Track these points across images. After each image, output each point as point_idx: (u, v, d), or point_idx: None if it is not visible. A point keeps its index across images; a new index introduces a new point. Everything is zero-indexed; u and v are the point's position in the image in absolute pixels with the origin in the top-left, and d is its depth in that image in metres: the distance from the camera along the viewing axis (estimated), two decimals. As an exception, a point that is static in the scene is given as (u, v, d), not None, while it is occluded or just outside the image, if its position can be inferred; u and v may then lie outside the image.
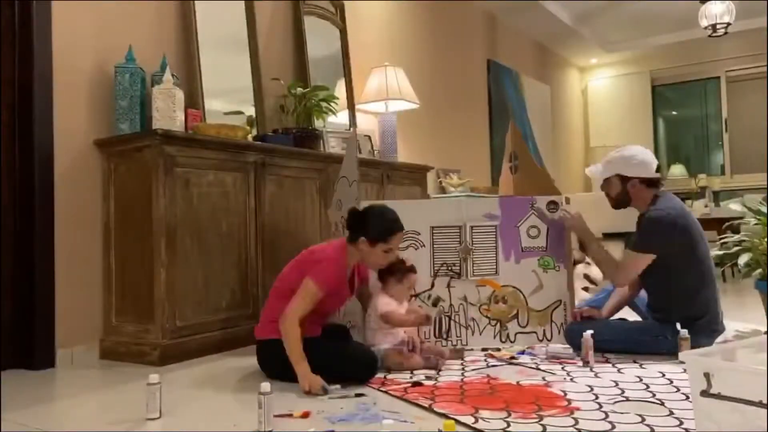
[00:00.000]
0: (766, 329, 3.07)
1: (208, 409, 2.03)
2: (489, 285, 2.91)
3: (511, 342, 2.86)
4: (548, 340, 2.86)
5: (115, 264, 2.90)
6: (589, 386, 2.15)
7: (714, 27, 5.93)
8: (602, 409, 1.87)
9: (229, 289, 3.02)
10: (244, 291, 3.08)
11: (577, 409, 1.89)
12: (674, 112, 8.87)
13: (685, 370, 2.28)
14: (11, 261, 2.73)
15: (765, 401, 1.37)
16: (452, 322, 2.89)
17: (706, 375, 1.45)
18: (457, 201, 3.54)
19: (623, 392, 2.07)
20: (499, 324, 2.89)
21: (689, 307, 2.59)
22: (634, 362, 2.50)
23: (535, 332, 2.87)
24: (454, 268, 2.90)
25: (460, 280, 2.90)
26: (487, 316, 2.89)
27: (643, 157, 2.67)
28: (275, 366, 2.33)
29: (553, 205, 2.94)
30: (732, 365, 1.54)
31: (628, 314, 2.99)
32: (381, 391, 2.13)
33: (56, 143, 2.79)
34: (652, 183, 2.66)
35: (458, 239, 2.91)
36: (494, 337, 2.88)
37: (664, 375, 2.28)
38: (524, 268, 2.89)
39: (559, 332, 2.86)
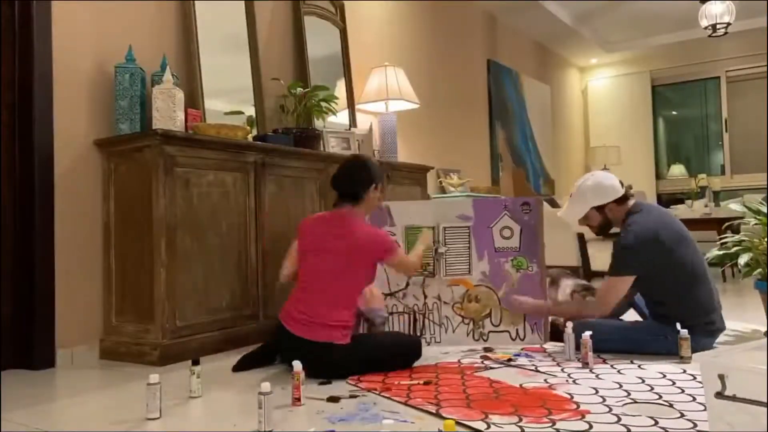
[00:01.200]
0: (766, 329, 3.07)
1: (208, 409, 2.03)
2: (462, 284, 2.99)
3: (485, 341, 2.93)
4: (521, 339, 2.92)
5: (115, 264, 2.90)
6: (594, 388, 2.12)
7: (714, 27, 5.93)
8: (613, 412, 1.84)
9: (229, 289, 3.02)
10: (244, 291, 3.08)
11: (588, 412, 1.85)
12: (674, 112, 8.87)
13: (684, 371, 2.30)
14: (11, 261, 2.73)
15: (765, 401, 1.37)
16: (426, 320, 2.98)
17: (721, 377, 1.44)
18: (432, 202, 3.66)
19: (629, 394, 2.04)
20: (472, 322, 2.96)
21: (683, 308, 2.58)
22: (632, 362, 2.47)
23: (508, 331, 2.93)
24: (428, 267, 2.99)
25: (434, 279, 3.00)
26: (460, 315, 2.98)
27: (608, 182, 2.73)
28: (337, 368, 2.35)
29: (526, 207, 3.00)
30: (748, 366, 1.48)
31: (630, 314, 2.98)
32: (384, 396, 2.08)
33: (56, 143, 2.79)
34: (622, 200, 2.72)
35: (432, 239, 3.00)
36: (467, 335, 2.96)
37: (665, 376, 2.26)
38: (497, 268, 2.96)
39: (532, 331, 2.92)
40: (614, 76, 8.82)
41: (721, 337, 2.99)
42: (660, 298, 2.66)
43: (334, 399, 2.05)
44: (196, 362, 2.15)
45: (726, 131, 8.15)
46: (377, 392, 2.12)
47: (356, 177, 2.57)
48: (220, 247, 2.98)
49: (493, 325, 2.94)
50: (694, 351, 2.44)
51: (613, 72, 8.81)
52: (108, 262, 2.91)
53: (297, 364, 2.02)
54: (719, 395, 1.46)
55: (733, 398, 1.44)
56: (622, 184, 2.74)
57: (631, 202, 2.73)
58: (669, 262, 2.57)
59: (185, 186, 2.85)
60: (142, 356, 2.74)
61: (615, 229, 2.80)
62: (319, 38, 4.22)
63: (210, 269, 2.93)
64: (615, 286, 2.62)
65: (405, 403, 1.98)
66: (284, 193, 3.35)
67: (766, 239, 3.03)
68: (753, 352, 1.61)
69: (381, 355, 2.43)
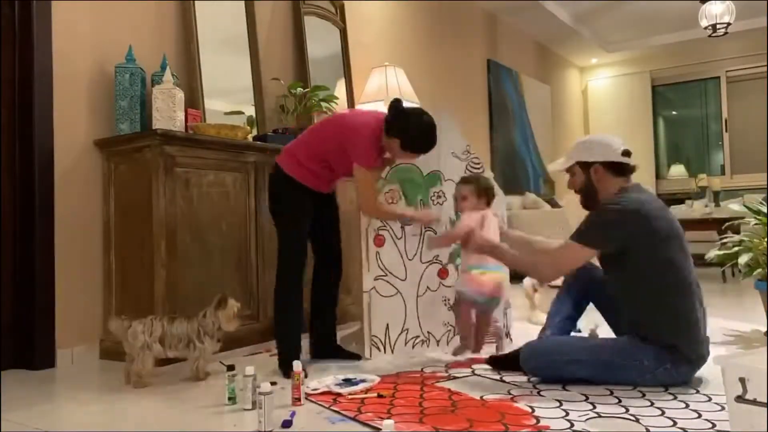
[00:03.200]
0: (766, 329, 3.07)
1: (208, 408, 2.03)
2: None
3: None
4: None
5: (115, 264, 2.90)
6: (558, 401, 2.00)
7: (714, 27, 5.93)
8: (573, 428, 1.73)
9: (229, 289, 3.00)
10: (244, 291, 3.08)
11: (547, 428, 1.75)
12: (674, 112, 8.87)
13: (635, 388, 2.11)
14: (11, 261, 2.73)
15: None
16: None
17: (742, 380, 1.41)
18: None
19: (595, 407, 1.92)
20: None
21: (663, 319, 2.12)
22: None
23: None
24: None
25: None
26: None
27: (602, 139, 2.33)
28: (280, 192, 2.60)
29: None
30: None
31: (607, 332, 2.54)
32: (332, 410, 1.94)
33: (56, 143, 2.79)
34: (618, 170, 2.27)
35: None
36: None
37: (635, 387, 2.12)
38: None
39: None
40: (614, 76, 8.82)
41: (721, 337, 2.99)
42: (636, 300, 2.19)
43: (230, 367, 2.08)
44: (231, 368, 2.09)
45: (726, 131, 8.15)
46: (327, 406, 1.99)
47: (401, 119, 2.52)
48: (220, 247, 2.98)
49: None
50: (669, 382, 2.11)
51: (613, 72, 8.81)
52: (108, 262, 2.91)
53: (297, 364, 2.02)
54: (740, 399, 1.43)
55: (754, 402, 1.42)
56: (628, 155, 2.29)
57: (631, 181, 2.31)
58: (655, 254, 2.13)
59: (185, 186, 2.85)
60: (142, 356, 2.73)
61: None
62: (319, 38, 4.22)
63: (210, 269, 2.93)
64: (575, 254, 2.23)
65: (354, 418, 1.86)
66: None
67: (766, 239, 3.03)
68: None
69: None
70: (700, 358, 2.16)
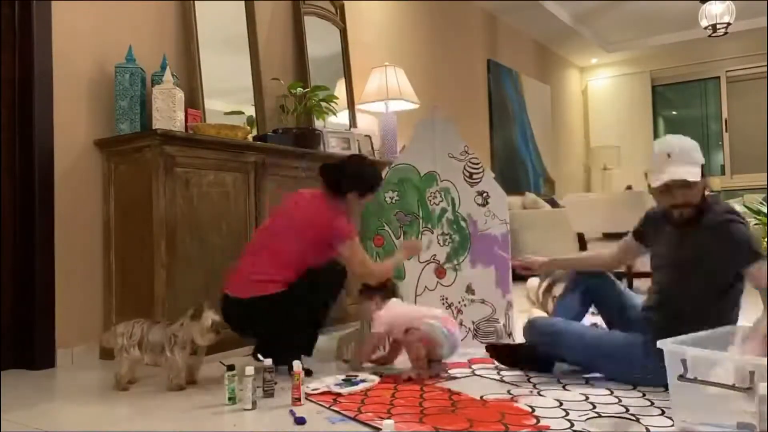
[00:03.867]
0: (766, 329, 3.06)
1: (208, 408, 2.03)
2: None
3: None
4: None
5: (115, 264, 2.90)
6: (558, 400, 2.00)
7: (714, 27, 5.93)
8: (574, 428, 1.72)
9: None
10: (244, 291, 3.08)
11: (547, 427, 1.74)
12: (674, 112, 8.87)
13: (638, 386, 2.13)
14: (11, 261, 2.73)
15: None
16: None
17: (683, 361, 1.61)
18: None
19: (595, 407, 1.92)
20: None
21: (707, 321, 1.95)
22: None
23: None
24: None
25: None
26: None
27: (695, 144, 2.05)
28: (267, 322, 2.38)
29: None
30: (706, 352, 1.65)
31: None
32: (332, 410, 1.94)
33: (56, 143, 2.79)
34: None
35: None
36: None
37: (635, 387, 2.11)
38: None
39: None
40: (614, 76, 8.82)
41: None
42: (697, 299, 2.07)
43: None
44: (231, 368, 2.07)
45: (726, 131, 8.15)
46: (327, 406, 1.99)
47: (343, 172, 2.51)
48: (220, 247, 2.98)
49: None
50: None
51: (613, 72, 8.81)
52: (108, 262, 2.91)
53: (297, 364, 2.02)
54: (681, 378, 1.62)
55: (694, 380, 1.61)
56: None
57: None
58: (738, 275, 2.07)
59: (185, 186, 2.85)
60: (142, 356, 2.74)
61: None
62: (319, 38, 4.22)
63: (210, 269, 2.93)
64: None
65: (354, 418, 1.86)
66: (284, 193, 3.34)
67: (766, 239, 3.03)
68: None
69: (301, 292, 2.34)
70: None
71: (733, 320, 2.09)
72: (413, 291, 2.86)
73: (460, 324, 2.86)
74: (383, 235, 2.89)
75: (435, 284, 2.93)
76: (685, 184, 1.99)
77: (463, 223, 2.95)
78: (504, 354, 2.44)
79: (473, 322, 2.91)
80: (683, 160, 2.00)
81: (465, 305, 2.92)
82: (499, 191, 2.94)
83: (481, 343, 2.75)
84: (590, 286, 2.44)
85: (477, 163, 3.00)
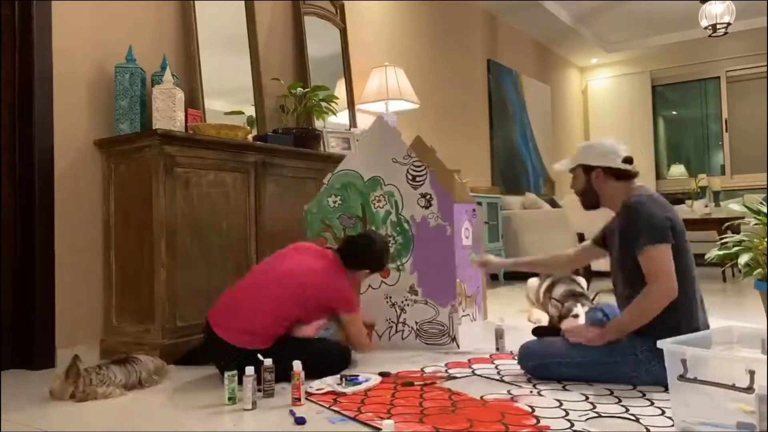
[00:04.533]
0: (766, 329, 3.07)
1: (208, 409, 2.03)
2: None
3: (458, 324, 2.99)
4: (474, 320, 3.14)
5: (115, 264, 2.90)
6: (558, 400, 1.99)
7: (714, 27, 5.93)
8: (574, 428, 1.71)
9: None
10: (244, 291, 3.08)
11: (547, 428, 1.73)
12: (674, 112, 8.88)
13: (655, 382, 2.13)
14: (11, 261, 2.73)
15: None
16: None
17: (683, 361, 1.62)
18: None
19: (594, 407, 1.91)
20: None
21: (668, 318, 2.06)
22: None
23: (469, 314, 3.10)
24: None
25: None
26: None
27: (606, 145, 2.35)
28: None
29: (473, 212, 3.23)
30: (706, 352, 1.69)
31: None
32: (333, 410, 1.93)
33: (56, 143, 2.79)
34: (618, 176, 2.29)
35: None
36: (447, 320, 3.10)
37: (634, 387, 2.11)
38: (463, 263, 3.11)
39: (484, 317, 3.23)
40: (614, 76, 8.82)
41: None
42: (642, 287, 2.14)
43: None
44: (231, 368, 2.05)
45: (726, 131, 8.15)
46: (327, 406, 1.98)
47: (357, 252, 2.62)
48: (220, 247, 2.98)
49: (462, 310, 3.03)
50: (664, 377, 1.83)
51: (613, 72, 8.82)
52: (108, 262, 2.91)
53: (297, 364, 2.02)
54: (681, 378, 1.64)
55: (694, 380, 1.63)
56: (630, 162, 2.32)
57: (637, 184, 2.31)
58: (678, 246, 2.13)
59: (185, 186, 2.85)
60: (142, 356, 2.74)
61: (607, 212, 2.42)
62: (319, 38, 4.22)
63: (210, 269, 2.93)
64: (664, 256, 2.08)
65: (354, 418, 1.84)
66: (284, 193, 3.35)
67: (766, 239, 3.03)
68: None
69: (307, 359, 2.19)
70: None
71: (688, 305, 2.14)
72: (357, 290, 2.90)
73: (404, 323, 2.97)
74: (326, 237, 3.07)
75: (379, 283, 3.01)
76: (573, 174, 2.42)
77: (406, 225, 3.00)
78: (547, 333, 2.55)
79: (416, 323, 2.95)
80: (572, 155, 2.44)
81: (408, 305, 2.97)
82: (445, 194, 2.96)
83: (426, 344, 2.91)
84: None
85: (419, 166, 3.02)
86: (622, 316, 2.16)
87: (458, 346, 2.88)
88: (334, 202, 3.10)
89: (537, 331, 2.64)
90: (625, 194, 2.27)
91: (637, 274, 2.14)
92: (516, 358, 2.46)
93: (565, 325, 2.80)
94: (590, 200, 2.38)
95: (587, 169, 2.35)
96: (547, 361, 2.24)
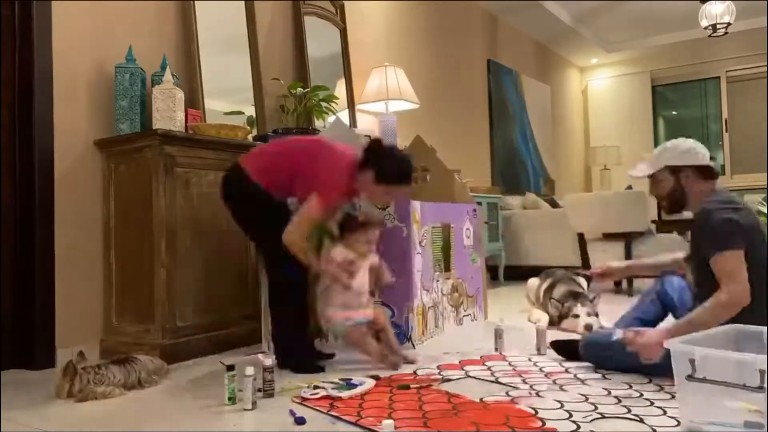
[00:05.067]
0: (766, 329, 3.06)
1: (208, 409, 2.03)
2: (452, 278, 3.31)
3: (460, 324, 3.10)
4: (475, 320, 3.35)
5: (115, 264, 2.90)
6: (559, 401, 1.99)
7: (714, 27, 5.93)
8: (581, 430, 1.72)
9: (229, 289, 3.02)
10: (244, 291, 3.08)
11: (554, 430, 1.73)
12: (674, 112, 8.87)
13: (650, 381, 2.16)
14: (11, 261, 2.73)
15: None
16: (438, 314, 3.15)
17: (692, 361, 1.61)
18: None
19: (596, 408, 1.91)
20: (455, 310, 3.29)
21: (752, 308, 2.03)
22: (595, 371, 2.33)
23: (470, 314, 3.28)
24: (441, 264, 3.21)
25: (443, 274, 3.23)
26: (450, 304, 3.27)
27: (690, 145, 2.33)
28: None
29: (474, 212, 3.35)
30: (715, 352, 1.64)
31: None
32: (331, 415, 1.90)
33: (56, 143, 2.79)
34: (707, 174, 2.28)
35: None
36: (451, 321, 3.26)
37: (631, 386, 2.12)
38: (464, 263, 3.26)
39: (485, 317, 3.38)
40: (614, 76, 8.82)
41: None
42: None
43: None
44: (231, 368, 2.05)
45: (726, 131, 8.15)
46: (324, 411, 1.94)
47: (374, 152, 2.53)
48: (220, 247, 2.98)
49: (464, 310, 3.16)
50: None
51: (613, 72, 8.81)
52: (108, 262, 2.91)
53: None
54: (690, 378, 1.64)
55: (703, 380, 1.62)
56: (714, 160, 2.36)
57: (717, 186, 2.29)
58: (760, 248, 2.12)
59: (185, 186, 2.85)
60: (142, 356, 2.74)
61: (688, 215, 2.38)
62: (319, 38, 4.22)
63: (210, 269, 2.93)
64: (736, 262, 2.05)
65: (356, 423, 1.82)
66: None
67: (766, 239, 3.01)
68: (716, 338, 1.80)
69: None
70: None
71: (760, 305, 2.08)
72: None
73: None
74: None
75: None
76: (651, 179, 2.37)
77: None
78: (566, 350, 2.60)
79: None
80: (651, 159, 2.39)
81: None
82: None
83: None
84: (660, 293, 2.56)
85: None
86: (690, 317, 2.08)
87: (414, 347, 2.82)
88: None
89: (556, 344, 2.65)
90: (709, 194, 2.25)
91: (706, 276, 2.12)
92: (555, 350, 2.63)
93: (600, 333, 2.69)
94: (680, 202, 2.32)
95: (674, 170, 2.30)
96: (609, 353, 2.29)
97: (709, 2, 5.92)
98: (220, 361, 2.43)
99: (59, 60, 2.81)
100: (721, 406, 1.61)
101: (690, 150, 2.31)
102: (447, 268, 3.23)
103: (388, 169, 2.49)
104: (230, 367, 2.05)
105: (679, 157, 2.31)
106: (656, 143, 8.50)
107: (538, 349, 2.70)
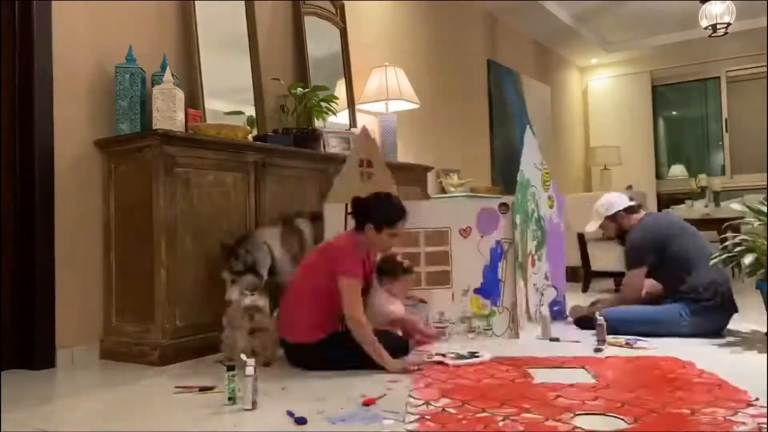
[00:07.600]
0: (766, 329, 3.07)
1: (208, 409, 2.03)
2: None
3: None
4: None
5: (115, 264, 2.90)
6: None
7: (714, 27, 5.92)
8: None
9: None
10: (244, 291, 3.08)
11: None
12: (674, 112, 8.87)
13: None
14: (11, 261, 2.73)
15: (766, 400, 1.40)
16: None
17: None
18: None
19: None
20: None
21: (688, 286, 3.07)
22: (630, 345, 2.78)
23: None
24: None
25: None
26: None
27: (614, 198, 3.44)
28: (332, 360, 2.47)
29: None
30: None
31: None
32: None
33: (56, 143, 2.79)
34: (631, 210, 3.38)
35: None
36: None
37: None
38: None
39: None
40: (614, 76, 8.81)
41: (721, 338, 3.00)
42: (672, 272, 3.17)
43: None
44: (231, 368, 2.06)
45: (726, 131, 8.14)
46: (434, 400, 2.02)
47: (361, 205, 2.65)
48: (221, 247, 2.98)
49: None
50: (704, 329, 3.01)
51: (613, 72, 8.80)
52: (108, 262, 2.91)
53: None
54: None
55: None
56: (632, 199, 3.45)
57: (642, 213, 3.38)
58: (665, 252, 3.17)
59: (185, 186, 2.85)
60: (142, 356, 2.74)
61: None
62: (319, 38, 4.22)
63: (210, 269, 2.92)
64: (632, 279, 3.27)
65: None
66: (284, 193, 3.34)
67: (766, 239, 3.02)
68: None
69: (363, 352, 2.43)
70: (727, 312, 3.09)
71: (685, 279, 3.13)
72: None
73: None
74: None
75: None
76: (601, 228, 3.51)
77: (542, 222, 3.61)
78: (585, 324, 3.25)
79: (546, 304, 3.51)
80: (594, 216, 3.52)
81: (545, 289, 3.57)
82: (560, 196, 3.73)
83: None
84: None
85: (547, 173, 3.69)
86: (614, 298, 3.57)
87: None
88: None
89: (577, 320, 3.40)
90: (638, 221, 3.33)
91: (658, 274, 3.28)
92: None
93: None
94: (623, 233, 3.39)
95: (611, 218, 3.40)
96: (619, 320, 3.05)
97: (709, 2, 5.92)
98: (220, 361, 2.43)
99: (59, 60, 2.81)
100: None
101: (615, 201, 3.41)
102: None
103: (382, 213, 2.61)
104: (230, 367, 2.05)
105: (610, 207, 3.39)
106: (656, 143, 8.50)
107: (602, 340, 2.92)
